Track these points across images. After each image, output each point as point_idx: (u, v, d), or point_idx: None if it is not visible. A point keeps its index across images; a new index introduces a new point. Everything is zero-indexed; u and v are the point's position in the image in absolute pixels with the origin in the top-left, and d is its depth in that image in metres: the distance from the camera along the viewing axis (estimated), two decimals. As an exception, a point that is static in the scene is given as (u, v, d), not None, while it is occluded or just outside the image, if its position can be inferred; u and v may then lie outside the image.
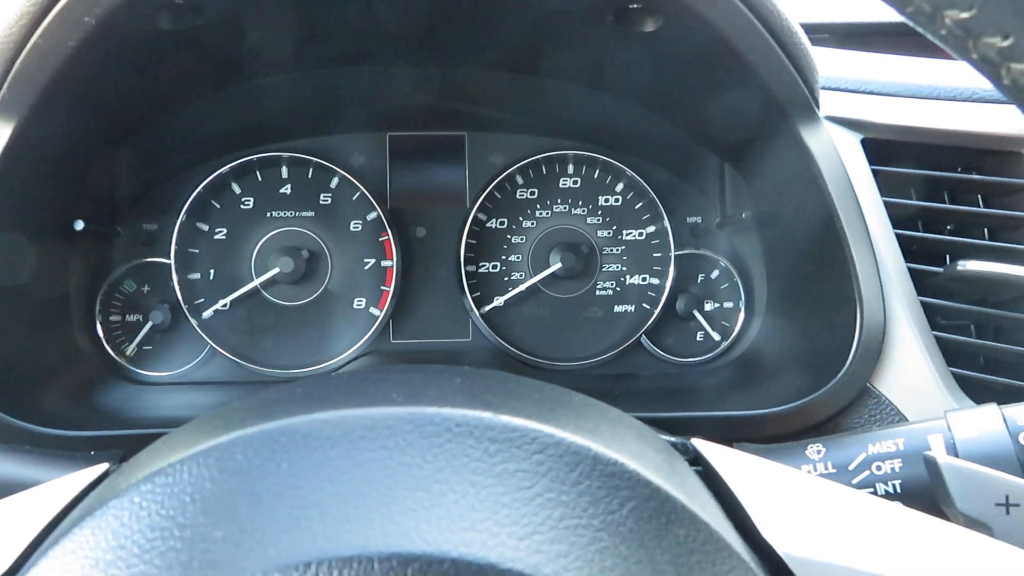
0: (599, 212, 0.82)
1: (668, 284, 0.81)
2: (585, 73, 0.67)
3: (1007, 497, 0.39)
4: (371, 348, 0.80)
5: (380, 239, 0.80)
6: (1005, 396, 0.56)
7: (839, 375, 0.61)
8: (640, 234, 0.82)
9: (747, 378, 0.75)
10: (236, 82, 0.67)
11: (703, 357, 0.81)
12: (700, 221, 0.82)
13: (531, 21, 0.58)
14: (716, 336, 0.81)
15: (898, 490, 0.44)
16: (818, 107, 0.61)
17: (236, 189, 0.79)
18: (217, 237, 0.78)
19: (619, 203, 0.82)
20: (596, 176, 0.82)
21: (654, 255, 0.82)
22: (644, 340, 0.81)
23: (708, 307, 0.82)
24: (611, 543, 0.25)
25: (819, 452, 0.47)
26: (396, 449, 0.25)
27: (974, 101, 0.67)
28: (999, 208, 0.66)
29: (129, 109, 0.64)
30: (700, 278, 0.82)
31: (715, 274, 0.82)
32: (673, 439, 0.40)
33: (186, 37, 0.56)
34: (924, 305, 0.62)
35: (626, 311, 0.82)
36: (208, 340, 0.77)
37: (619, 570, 0.24)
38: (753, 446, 0.50)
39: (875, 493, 0.45)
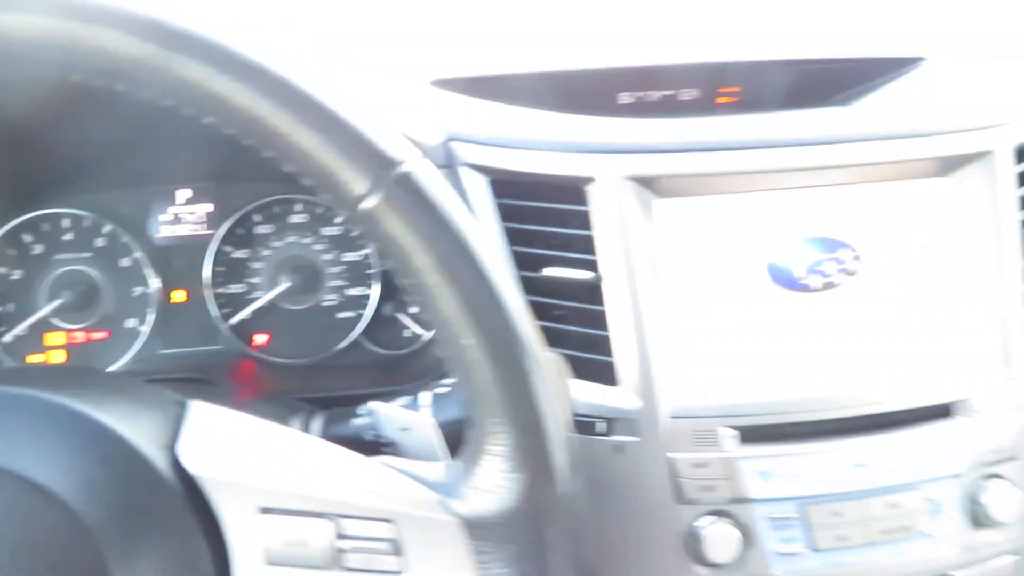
0: (324, 240, 1.04)
1: (377, 293, 1.02)
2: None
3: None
4: (140, 357, 1.00)
5: (144, 271, 1.01)
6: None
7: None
8: (357, 255, 1.04)
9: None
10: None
11: (409, 349, 1.02)
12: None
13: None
14: (420, 331, 1.02)
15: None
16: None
17: (27, 239, 1.00)
18: (13, 278, 1.00)
19: (339, 231, 1.04)
20: (317, 212, 1.04)
21: (366, 272, 1.03)
22: (361, 338, 1.02)
23: (413, 308, 1.03)
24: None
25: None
26: None
27: None
28: None
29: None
30: (405, 287, 1.04)
31: (417, 283, 1.03)
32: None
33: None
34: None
35: (347, 317, 1.03)
36: (8, 358, 0.98)
37: None
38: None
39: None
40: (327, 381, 0.97)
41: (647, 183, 0.79)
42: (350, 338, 1.02)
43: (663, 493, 0.76)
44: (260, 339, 1.02)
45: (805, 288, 0.81)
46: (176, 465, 0.42)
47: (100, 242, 1.01)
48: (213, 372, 0.98)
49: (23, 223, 0.99)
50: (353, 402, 0.77)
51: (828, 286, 0.81)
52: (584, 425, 0.77)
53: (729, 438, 0.76)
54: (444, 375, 0.77)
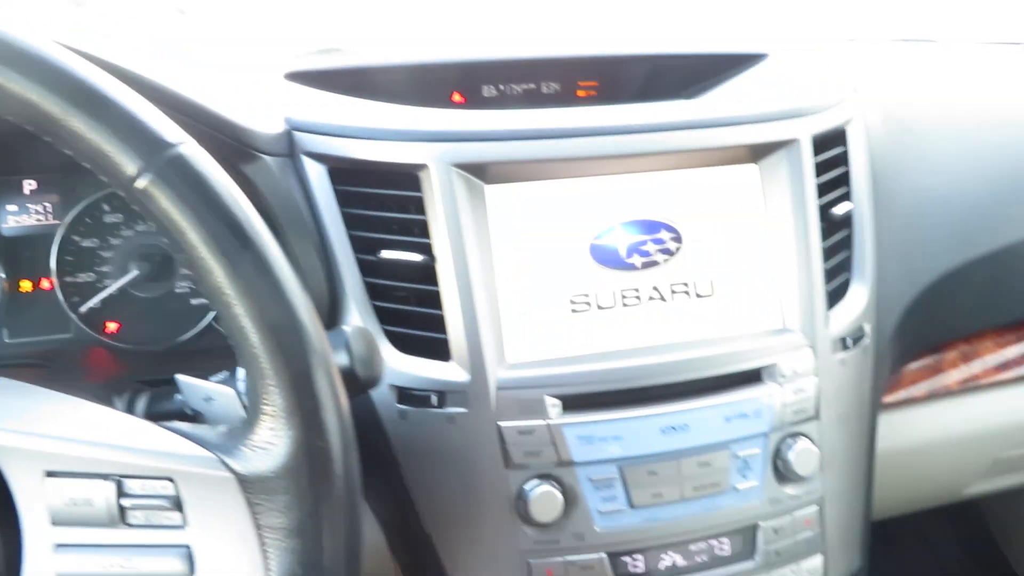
0: (175, 228, 1.04)
1: (229, 279, 1.03)
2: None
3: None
4: (-12, 346, 1.00)
5: (-10, 262, 1.00)
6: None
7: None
8: (211, 242, 1.05)
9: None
10: None
11: (263, 334, 1.04)
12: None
13: None
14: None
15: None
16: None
17: None
18: None
19: (192, 219, 1.05)
20: (169, 200, 1.05)
21: (219, 258, 1.05)
22: (214, 323, 1.04)
23: (268, 295, 1.05)
24: None
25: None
26: None
27: None
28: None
29: None
30: (259, 273, 1.05)
31: (272, 269, 1.05)
32: None
33: None
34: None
35: (200, 303, 1.04)
36: None
37: None
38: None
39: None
40: (181, 366, 0.98)
41: (475, 170, 0.84)
42: (203, 323, 1.03)
43: (493, 459, 0.81)
44: (112, 327, 1.03)
45: (627, 267, 0.87)
46: None
47: (-59, 233, 1.00)
48: (63, 360, 0.98)
49: None
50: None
51: (649, 265, 0.88)
52: (418, 398, 0.81)
53: (553, 407, 0.81)
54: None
